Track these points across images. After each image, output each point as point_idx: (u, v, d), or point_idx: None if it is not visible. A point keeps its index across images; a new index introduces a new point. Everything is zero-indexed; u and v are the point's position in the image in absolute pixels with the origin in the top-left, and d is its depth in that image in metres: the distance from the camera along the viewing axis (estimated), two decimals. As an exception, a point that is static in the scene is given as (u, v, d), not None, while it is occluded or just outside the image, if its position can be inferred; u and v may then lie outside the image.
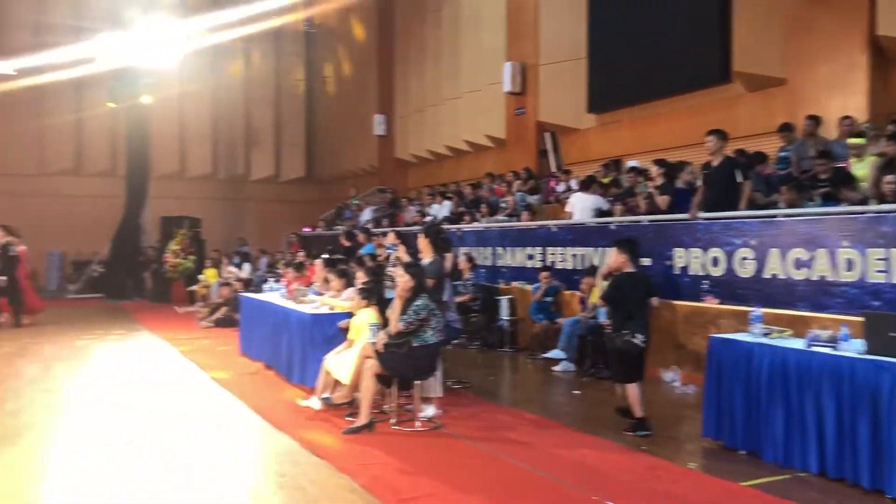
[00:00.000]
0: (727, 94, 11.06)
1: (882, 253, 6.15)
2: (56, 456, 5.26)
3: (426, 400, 6.20)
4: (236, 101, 23.27)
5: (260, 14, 17.52)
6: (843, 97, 9.23)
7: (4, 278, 12.44)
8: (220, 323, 12.58)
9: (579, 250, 9.77)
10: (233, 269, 14.98)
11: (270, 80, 23.83)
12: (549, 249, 10.31)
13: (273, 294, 9.27)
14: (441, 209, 14.39)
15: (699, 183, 8.37)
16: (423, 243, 6.68)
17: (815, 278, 6.68)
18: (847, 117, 8.82)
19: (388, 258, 8.61)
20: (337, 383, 6.44)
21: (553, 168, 14.21)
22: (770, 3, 10.27)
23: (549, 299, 9.75)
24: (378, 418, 6.02)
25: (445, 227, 10.38)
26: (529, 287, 10.23)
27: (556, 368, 8.68)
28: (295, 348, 7.60)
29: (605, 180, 11.40)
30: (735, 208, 7.65)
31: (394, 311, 5.98)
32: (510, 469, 4.96)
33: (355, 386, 6.15)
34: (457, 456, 5.29)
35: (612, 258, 6.21)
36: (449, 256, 7.09)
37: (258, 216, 22.86)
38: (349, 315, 6.79)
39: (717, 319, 7.34)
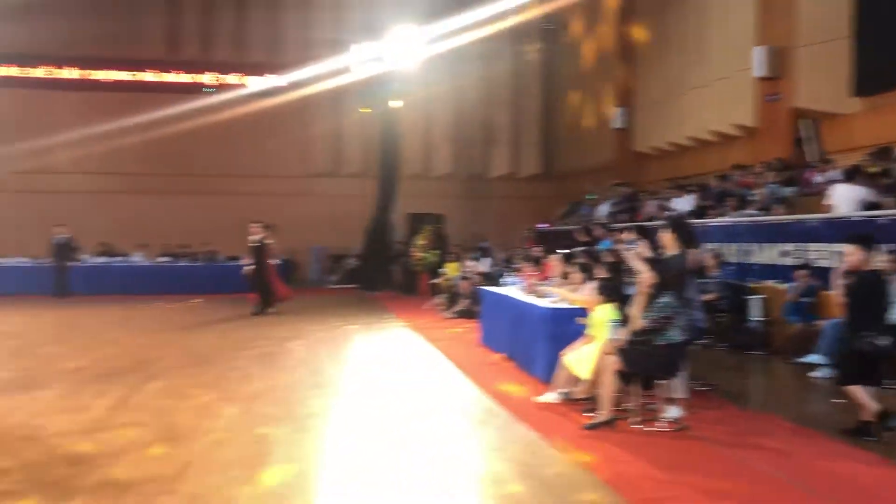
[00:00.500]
0: None
1: None
2: (338, 440, 5.80)
3: (670, 400, 6.00)
4: (475, 101, 24.03)
5: (498, 14, 17.97)
6: None
7: (252, 267, 13.82)
8: (461, 314, 13.10)
9: (842, 247, 8.87)
10: (472, 263, 15.52)
11: (508, 78, 24.31)
12: (807, 245, 9.49)
13: (511, 288, 9.48)
14: (684, 203, 13.81)
15: None
16: (666, 238, 6.45)
17: None
18: None
19: (624, 254, 8.43)
20: (575, 379, 6.44)
21: (812, 157, 13.04)
22: None
23: (806, 300, 8.99)
24: (619, 416, 5.93)
25: (690, 221, 9.94)
26: (783, 286, 9.50)
27: (815, 374, 7.98)
28: (533, 341, 7.70)
29: (873, 170, 10.25)
30: None
31: (636, 308, 5.85)
32: (762, 477, 4.66)
33: (595, 382, 6.11)
34: (703, 459, 5.07)
35: (850, 255, 5.69)
36: (693, 252, 6.79)
37: (497, 212, 23.45)
38: (587, 311, 6.75)
39: None
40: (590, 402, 6.22)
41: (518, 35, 23.76)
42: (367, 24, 18.70)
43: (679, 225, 6.52)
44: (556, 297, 7.75)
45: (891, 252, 7.51)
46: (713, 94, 15.52)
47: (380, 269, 19.86)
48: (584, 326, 6.68)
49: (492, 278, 13.62)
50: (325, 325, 12.20)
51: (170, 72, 21.99)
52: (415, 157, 23.35)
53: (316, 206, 22.14)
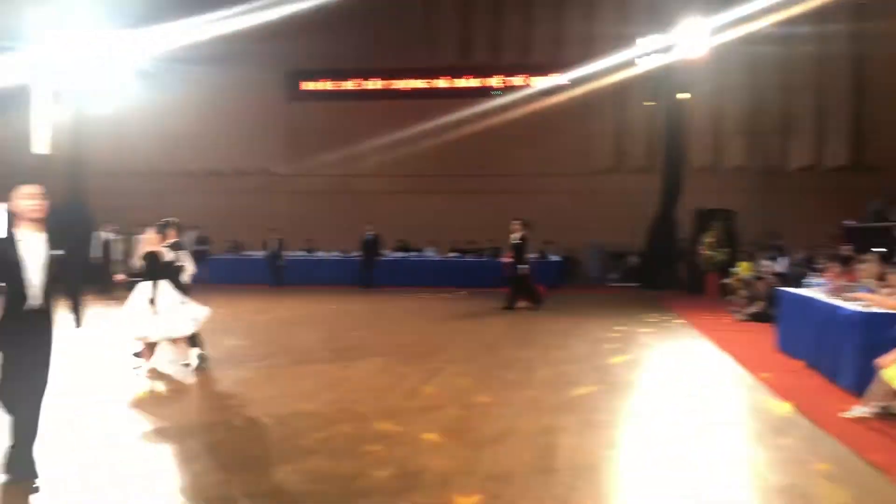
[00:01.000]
0: None
1: None
2: (627, 440, 5.79)
3: None
4: (772, 88, 22.26)
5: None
6: None
7: (526, 266, 14.02)
8: (755, 317, 12.25)
9: None
10: (768, 262, 14.43)
11: (811, 60, 22.18)
12: None
13: (815, 290, 8.67)
14: None
15: None
16: None
17: None
18: None
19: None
20: (894, 392, 5.72)
21: None
22: None
23: None
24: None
25: None
26: None
27: None
28: (840, 349, 6.99)
29: None
30: None
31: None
32: None
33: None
34: None
35: None
36: None
37: (795, 207, 21.51)
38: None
39: None
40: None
41: (824, 13, 21.60)
42: (653, 15, 18.20)
43: None
44: (868, 301, 6.94)
45: None
46: None
47: (663, 267, 19.25)
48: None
49: (788, 279, 12.57)
50: (606, 323, 12.13)
51: (461, 77, 23.26)
52: (703, 150, 22.27)
53: (597, 203, 22.02)
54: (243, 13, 19.37)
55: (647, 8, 20.28)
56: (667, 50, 17.88)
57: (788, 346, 8.96)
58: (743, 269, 14.81)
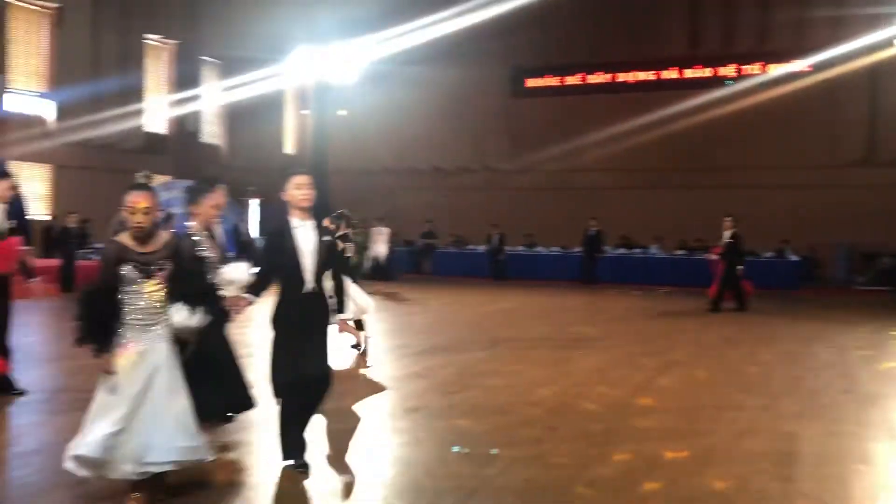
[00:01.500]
0: None
1: None
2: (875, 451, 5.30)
3: None
4: None
5: None
6: None
7: (741, 268, 13.07)
8: None
9: None
10: None
11: None
12: None
13: None
14: None
15: None
16: None
17: None
18: None
19: None
20: None
21: None
22: None
23: None
24: None
25: None
26: None
27: None
28: None
29: None
30: None
31: None
32: None
33: None
34: None
35: None
36: None
37: None
38: None
39: None
40: None
41: None
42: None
43: None
44: None
45: None
46: None
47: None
48: None
49: None
50: (853, 329, 11.08)
51: (690, 68, 22.32)
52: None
53: (845, 198, 20.07)
54: (468, 12, 20.03)
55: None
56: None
57: None
58: None
